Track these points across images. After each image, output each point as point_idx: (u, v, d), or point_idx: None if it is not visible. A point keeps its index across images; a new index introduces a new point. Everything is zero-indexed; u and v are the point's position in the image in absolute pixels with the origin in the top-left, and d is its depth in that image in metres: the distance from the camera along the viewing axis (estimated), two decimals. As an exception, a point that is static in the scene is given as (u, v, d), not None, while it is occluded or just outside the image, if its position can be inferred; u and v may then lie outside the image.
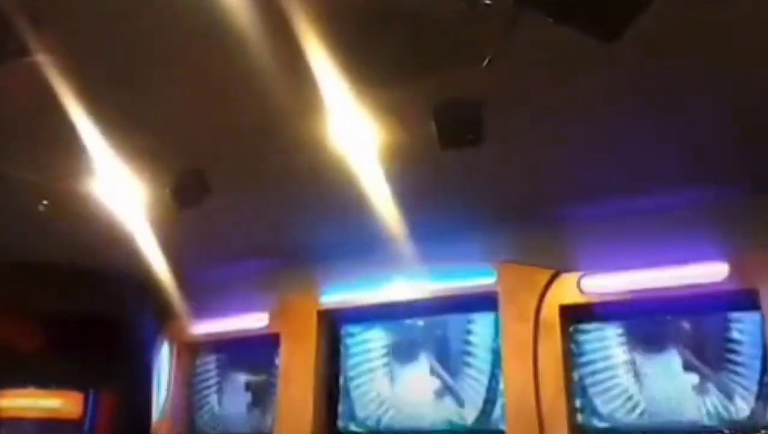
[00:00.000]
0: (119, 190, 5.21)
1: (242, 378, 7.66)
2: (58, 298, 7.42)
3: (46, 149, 4.67)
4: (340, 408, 6.94)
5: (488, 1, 2.97)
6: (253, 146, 4.61)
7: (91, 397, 7.95)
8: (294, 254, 6.84)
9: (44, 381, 7.81)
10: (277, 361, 7.24)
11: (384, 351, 6.90)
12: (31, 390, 7.84)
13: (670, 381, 5.55)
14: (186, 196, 4.76)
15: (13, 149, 4.71)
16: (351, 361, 7.06)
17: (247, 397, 7.56)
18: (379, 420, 6.73)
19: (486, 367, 6.32)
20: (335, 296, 6.97)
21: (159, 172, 4.88)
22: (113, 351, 7.67)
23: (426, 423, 6.47)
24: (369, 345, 7.01)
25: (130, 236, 5.95)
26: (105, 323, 7.51)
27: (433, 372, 6.59)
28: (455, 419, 6.36)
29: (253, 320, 7.34)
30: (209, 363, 7.95)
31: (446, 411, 6.41)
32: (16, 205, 5.56)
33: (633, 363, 5.72)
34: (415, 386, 6.62)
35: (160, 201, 5.23)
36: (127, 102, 4.01)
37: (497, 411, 6.11)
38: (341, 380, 7.03)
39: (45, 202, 5.58)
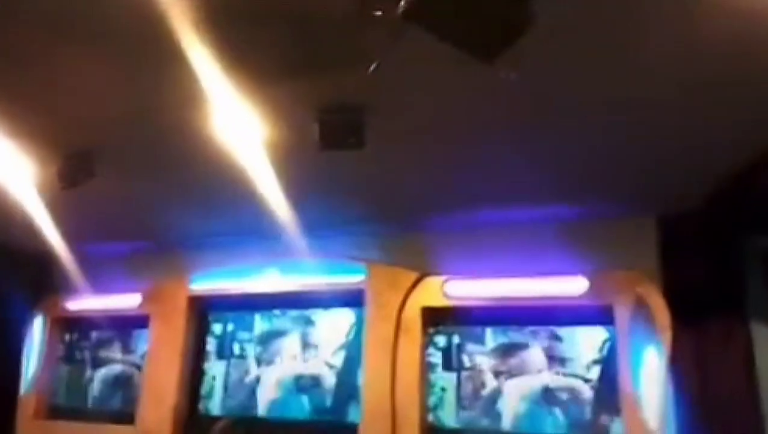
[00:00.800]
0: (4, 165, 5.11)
1: (112, 355, 7.68)
2: None
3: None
4: (203, 392, 7.03)
5: (378, 12, 3.06)
6: (137, 132, 4.55)
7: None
8: (169, 239, 6.94)
9: None
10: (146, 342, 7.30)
11: (249, 339, 7.00)
12: None
13: (524, 388, 5.84)
14: (71, 177, 4.78)
15: None
16: (217, 347, 7.15)
17: (115, 376, 7.59)
18: (241, 407, 6.80)
19: (348, 362, 6.50)
20: (205, 284, 7.05)
21: (47, 152, 4.82)
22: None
23: (286, 413, 6.60)
24: (236, 333, 7.09)
25: (6, 209, 5.81)
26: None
27: (296, 363, 6.71)
28: (313, 410, 6.52)
29: (127, 301, 7.38)
30: (81, 340, 7.97)
31: (306, 402, 6.56)
32: None
33: (491, 368, 5.99)
34: (278, 376, 6.74)
35: (42, 179, 5.17)
36: (19, 80, 3.92)
37: (355, 406, 6.30)
38: (206, 365, 7.12)
39: None
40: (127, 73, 3.78)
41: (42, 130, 4.56)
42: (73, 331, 8.04)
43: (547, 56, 3.37)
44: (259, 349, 6.94)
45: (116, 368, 7.60)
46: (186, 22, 3.20)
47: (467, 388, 6.00)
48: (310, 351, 6.70)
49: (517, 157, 4.69)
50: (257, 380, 6.85)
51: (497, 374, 5.94)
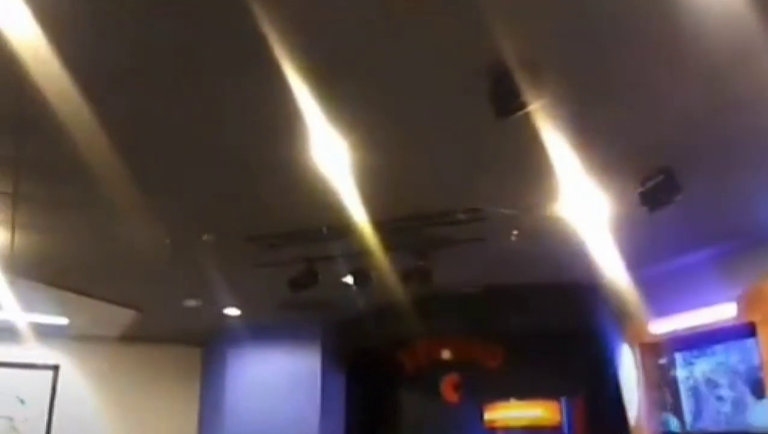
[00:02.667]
0: (583, 206, 5.63)
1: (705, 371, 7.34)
2: (526, 316, 8.37)
3: (517, 183, 5.53)
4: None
5: None
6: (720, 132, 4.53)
7: (564, 405, 8.76)
8: (760, 234, 6.42)
9: (523, 392, 8.86)
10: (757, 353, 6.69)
11: None
12: (513, 402, 8.96)
13: None
14: (656, 198, 4.80)
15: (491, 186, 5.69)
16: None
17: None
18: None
19: None
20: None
21: (622, 179, 5.09)
22: (579, 360, 8.42)
23: None
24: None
25: (586, 248, 6.49)
26: (571, 334, 8.05)
27: None
28: None
29: (719, 312, 6.92)
30: (674, 361, 7.80)
31: None
32: (492, 238, 6.58)
33: None
34: None
35: (620, 207, 5.58)
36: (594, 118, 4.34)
37: None
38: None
39: (515, 232, 6.53)
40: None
41: (617, 158, 4.81)
42: (663, 355, 7.92)
43: None
44: None
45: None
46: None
47: None
48: None
49: None
50: None
51: None
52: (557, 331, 8.29)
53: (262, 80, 3.75)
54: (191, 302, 8.08)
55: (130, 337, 10.36)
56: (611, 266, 6.86)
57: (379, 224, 6.01)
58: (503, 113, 3.70)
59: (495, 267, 7.52)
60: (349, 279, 7.06)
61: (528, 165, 4.90)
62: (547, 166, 4.77)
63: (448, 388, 9.64)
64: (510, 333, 8.69)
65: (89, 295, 8.26)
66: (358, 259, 6.65)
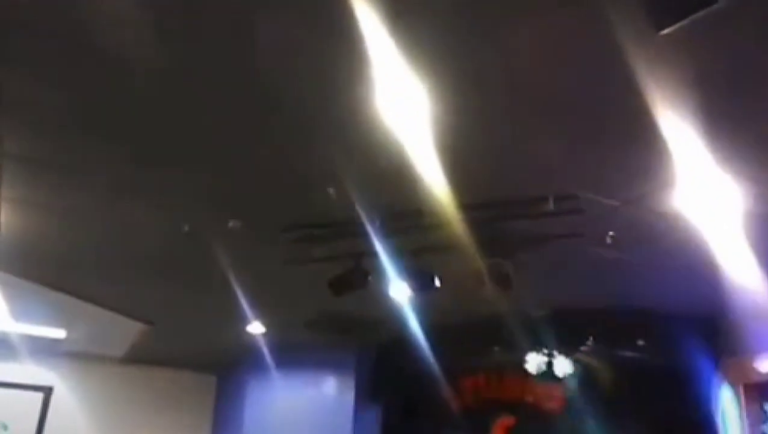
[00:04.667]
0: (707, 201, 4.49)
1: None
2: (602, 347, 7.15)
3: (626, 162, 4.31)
4: None
5: None
6: None
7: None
8: None
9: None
10: None
11: None
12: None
13: None
14: None
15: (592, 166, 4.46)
16: None
17: None
18: None
19: None
20: None
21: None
22: (667, 403, 7.06)
23: None
24: None
25: (699, 260, 5.32)
26: (657, 372, 6.88)
27: None
28: None
29: None
30: None
31: None
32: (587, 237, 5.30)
33: None
34: None
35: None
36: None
37: None
38: None
39: (611, 234, 5.27)
40: None
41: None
42: None
43: None
44: None
45: None
46: None
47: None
48: None
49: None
50: None
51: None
52: (640, 368, 7.04)
53: None
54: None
55: (135, 358, 9.11)
56: (728, 286, 5.60)
57: (451, 212, 4.78)
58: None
59: (577, 281, 6.22)
60: (401, 286, 5.79)
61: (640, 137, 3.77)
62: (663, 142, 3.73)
63: (500, 432, 8.23)
64: (584, 368, 7.35)
65: (91, 300, 7.03)
66: (418, 257, 5.38)
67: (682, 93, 3.38)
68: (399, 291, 6.03)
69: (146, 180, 4.69)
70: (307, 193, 4.77)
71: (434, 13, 2.93)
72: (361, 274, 5.24)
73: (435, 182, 4.35)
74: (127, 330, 7.91)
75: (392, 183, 4.42)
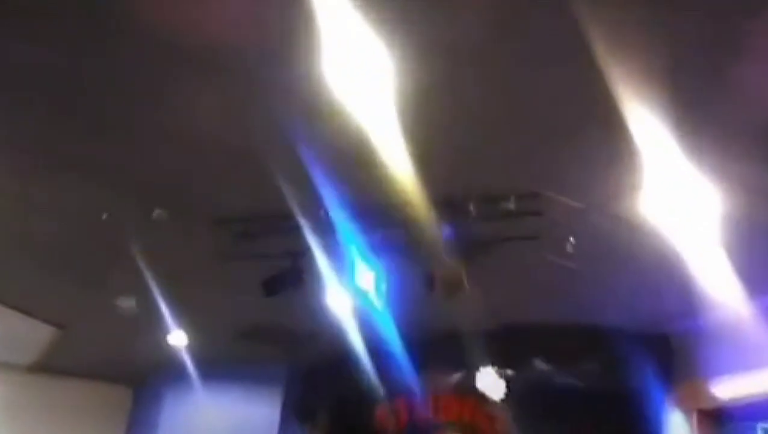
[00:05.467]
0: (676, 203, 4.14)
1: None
2: (549, 366, 6.79)
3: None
4: None
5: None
6: None
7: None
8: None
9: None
10: None
11: None
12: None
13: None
14: None
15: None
16: None
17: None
18: None
19: None
20: None
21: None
22: (613, 427, 6.74)
23: None
24: None
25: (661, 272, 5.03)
26: (602, 393, 6.54)
27: None
28: None
29: None
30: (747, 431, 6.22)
31: None
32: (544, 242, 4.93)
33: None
34: None
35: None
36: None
37: None
38: None
39: (572, 240, 4.91)
40: None
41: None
42: (730, 423, 6.34)
43: None
44: None
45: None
46: None
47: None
48: None
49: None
50: None
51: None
52: (586, 390, 6.70)
53: None
54: (126, 302, 5.91)
55: (44, 367, 8.28)
56: (689, 302, 5.29)
57: (401, 207, 4.35)
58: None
59: (529, 292, 5.84)
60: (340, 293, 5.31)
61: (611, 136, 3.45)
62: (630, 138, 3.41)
63: (436, 456, 7.73)
64: (526, 388, 6.96)
65: (-4, 300, 6.29)
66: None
67: (648, 84, 3.06)
68: (337, 300, 5.55)
69: (56, 155, 4.09)
70: (246, 181, 4.27)
71: None
72: (296, 273, 4.75)
73: (395, 173, 3.92)
74: (34, 334, 7.15)
75: (343, 173, 3.98)
